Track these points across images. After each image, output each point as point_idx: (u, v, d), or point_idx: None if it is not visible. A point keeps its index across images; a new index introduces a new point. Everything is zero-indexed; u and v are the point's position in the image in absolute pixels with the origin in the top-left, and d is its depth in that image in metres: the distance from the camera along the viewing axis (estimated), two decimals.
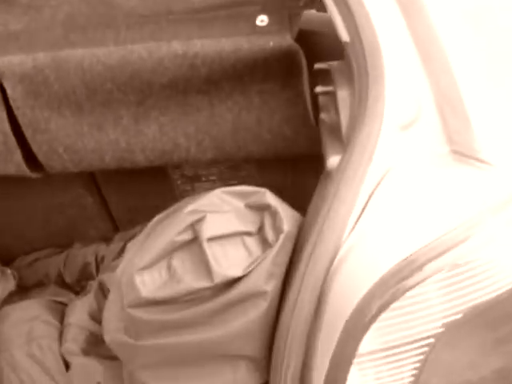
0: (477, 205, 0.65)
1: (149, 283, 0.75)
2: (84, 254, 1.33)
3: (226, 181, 1.21)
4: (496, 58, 0.75)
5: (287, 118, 0.96)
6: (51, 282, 1.34)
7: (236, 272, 0.71)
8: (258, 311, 0.70)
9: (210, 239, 0.73)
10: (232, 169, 1.19)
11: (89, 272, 1.31)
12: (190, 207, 0.79)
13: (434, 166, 0.73)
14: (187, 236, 0.76)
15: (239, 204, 0.76)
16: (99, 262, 1.31)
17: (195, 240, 0.75)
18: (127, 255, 0.85)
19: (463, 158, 0.72)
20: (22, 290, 1.30)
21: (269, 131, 0.98)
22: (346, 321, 0.61)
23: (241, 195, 0.77)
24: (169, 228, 0.80)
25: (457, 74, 0.71)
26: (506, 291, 0.64)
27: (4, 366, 1.07)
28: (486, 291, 0.63)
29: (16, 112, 0.96)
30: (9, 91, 0.93)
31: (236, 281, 0.72)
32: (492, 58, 0.74)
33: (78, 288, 1.30)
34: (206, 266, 0.72)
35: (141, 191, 1.27)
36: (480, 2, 0.80)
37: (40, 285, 1.34)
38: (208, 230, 0.73)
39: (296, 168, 1.10)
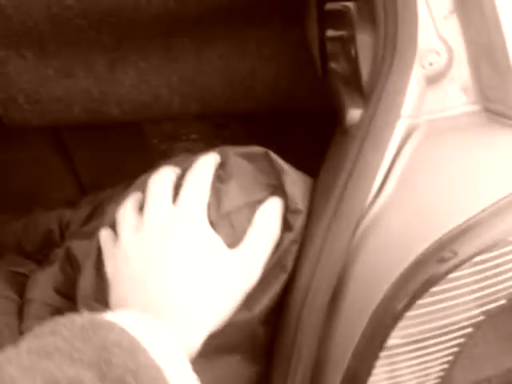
0: None
1: None
2: (47, 219, 1.20)
3: (208, 140, 1.09)
4: None
5: (286, 69, 0.84)
6: (8, 250, 1.22)
7: None
8: (277, 286, 0.59)
9: (218, 216, 0.61)
10: (217, 126, 1.07)
11: (52, 240, 1.17)
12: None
13: (466, 127, 0.63)
14: None
15: (247, 167, 0.64)
16: (64, 229, 1.18)
17: None
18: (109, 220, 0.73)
19: (499, 118, 0.62)
20: None
21: (263, 83, 0.86)
22: (374, 309, 0.51)
23: (248, 157, 0.65)
24: None
25: (502, 17, 0.60)
26: None
27: None
28: None
29: None
30: None
31: None
32: None
33: (39, 257, 1.18)
34: None
35: (111, 150, 1.14)
36: None
37: None
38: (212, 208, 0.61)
39: (291, 127, 0.99)
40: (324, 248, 0.54)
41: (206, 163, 0.63)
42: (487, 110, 0.63)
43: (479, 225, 0.51)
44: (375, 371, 0.53)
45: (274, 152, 0.67)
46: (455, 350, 0.55)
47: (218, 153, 0.65)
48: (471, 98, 0.63)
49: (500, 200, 0.53)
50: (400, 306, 0.50)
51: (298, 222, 0.58)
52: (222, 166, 0.64)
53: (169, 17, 0.76)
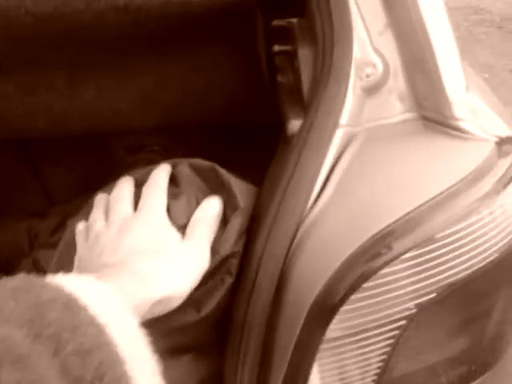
0: (451, 176, 0.60)
1: None
2: (15, 230, 1.23)
3: (170, 151, 1.12)
4: None
5: (241, 81, 0.88)
6: None
7: None
8: (223, 288, 0.63)
9: None
10: (177, 138, 1.10)
11: (20, 251, 1.20)
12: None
13: (402, 134, 0.68)
14: None
15: (194, 179, 0.69)
16: (32, 240, 1.21)
17: None
18: (71, 231, 0.76)
19: (433, 125, 0.67)
20: None
21: (220, 96, 0.90)
22: (311, 304, 0.55)
23: (196, 169, 0.69)
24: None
25: (431, 32, 0.65)
26: (482, 267, 0.60)
27: None
28: (461, 267, 0.59)
29: None
30: None
31: None
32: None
33: (6, 270, 1.19)
34: None
35: (78, 162, 1.16)
36: None
37: None
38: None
39: (247, 136, 1.03)
40: (266, 251, 0.58)
41: (159, 176, 0.70)
42: (423, 117, 0.68)
43: (411, 222, 0.56)
44: (319, 362, 0.57)
45: (230, 160, 0.71)
46: (392, 341, 0.59)
47: (171, 165, 0.70)
48: (407, 107, 0.68)
49: (430, 200, 0.58)
50: (335, 300, 0.54)
51: (242, 223, 0.63)
52: (173, 178, 0.69)
53: (127, 36, 0.79)
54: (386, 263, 0.56)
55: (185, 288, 0.59)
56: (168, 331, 0.61)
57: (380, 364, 0.60)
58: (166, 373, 0.64)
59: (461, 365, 0.67)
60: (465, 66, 0.67)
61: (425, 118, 0.68)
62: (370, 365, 0.60)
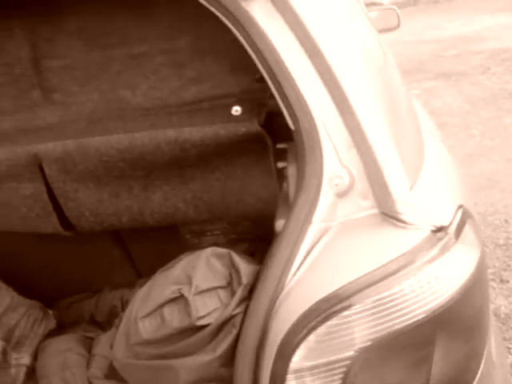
0: (395, 253, 0.85)
1: (148, 328, 0.99)
2: (112, 297, 1.58)
3: (227, 235, 1.44)
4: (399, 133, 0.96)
5: (264, 186, 1.18)
6: (84, 321, 1.58)
7: (209, 320, 0.94)
8: (231, 336, 0.91)
9: (195, 294, 0.96)
10: (232, 225, 1.41)
11: (115, 313, 1.54)
12: (180, 268, 1.03)
13: (365, 225, 0.93)
14: (175, 294, 1.00)
15: (216, 263, 0.99)
16: (124, 304, 1.54)
17: (181, 296, 0.99)
18: (133, 303, 1.07)
19: (388, 218, 0.92)
20: (60, 328, 1.55)
21: (251, 196, 1.20)
22: (280, 343, 0.82)
23: (218, 256, 1.00)
24: (164, 284, 1.04)
25: (377, 152, 0.91)
26: (417, 320, 0.83)
27: None
28: (398, 321, 0.82)
29: (52, 185, 1.22)
30: (46, 170, 1.20)
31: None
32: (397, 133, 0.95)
33: (107, 326, 1.53)
34: (187, 314, 0.95)
35: (158, 244, 1.50)
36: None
37: (75, 324, 1.58)
38: (192, 288, 0.96)
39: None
40: (254, 312, 0.85)
41: None
42: (382, 212, 0.93)
43: (346, 292, 0.82)
44: None
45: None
46: (342, 375, 0.83)
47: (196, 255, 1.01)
48: (370, 205, 0.94)
49: (364, 275, 0.83)
50: (297, 339, 0.81)
51: (243, 293, 0.92)
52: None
53: (177, 159, 1.13)
54: (336, 313, 0.81)
55: None
56: (192, 367, 0.90)
57: None
58: None
59: None
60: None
61: (382, 213, 0.93)
62: None
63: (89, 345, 1.39)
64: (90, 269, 1.58)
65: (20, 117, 1.23)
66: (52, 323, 1.55)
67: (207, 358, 0.91)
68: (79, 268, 1.58)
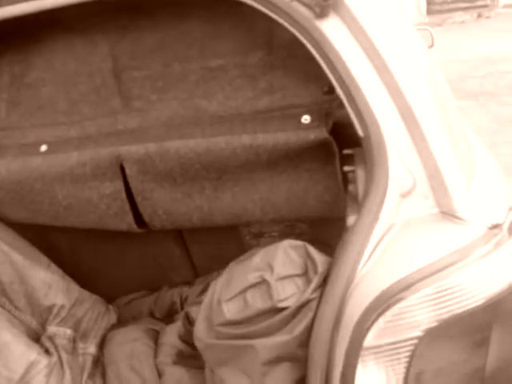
0: (454, 246, 0.96)
1: (231, 310, 1.09)
2: (171, 295, 1.68)
3: (284, 237, 1.53)
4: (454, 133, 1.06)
5: (327, 189, 1.29)
6: (143, 316, 1.68)
7: (289, 303, 1.04)
8: (307, 319, 1.01)
9: (276, 280, 1.06)
10: (289, 227, 1.52)
11: (174, 309, 1.65)
12: (260, 257, 1.14)
13: (427, 222, 1.03)
14: (257, 279, 1.10)
15: (292, 254, 1.09)
16: (183, 301, 1.65)
17: (263, 281, 1.09)
18: (214, 289, 1.18)
19: (447, 217, 1.02)
20: (121, 324, 1.64)
21: (314, 198, 1.31)
22: (355, 323, 0.92)
23: (294, 248, 1.10)
24: (245, 271, 1.14)
25: (437, 157, 1.02)
26: (474, 307, 0.93)
27: (111, 376, 1.42)
28: (456, 306, 0.93)
29: (130, 185, 1.34)
30: (127, 171, 1.31)
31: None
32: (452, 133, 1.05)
33: (165, 322, 1.63)
34: (269, 297, 1.05)
35: (217, 244, 1.61)
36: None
37: (134, 320, 1.68)
38: (274, 274, 1.07)
39: (338, 226, 1.42)
40: (330, 296, 0.96)
41: None
42: (441, 211, 1.03)
43: (412, 279, 0.92)
44: (359, 366, 0.93)
45: (319, 240, 1.12)
46: (409, 354, 0.93)
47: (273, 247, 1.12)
48: (431, 204, 1.04)
49: (430, 264, 0.93)
50: (370, 321, 0.91)
51: (319, 280, 1.02)
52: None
53: (250, 162, 1.24)
54: (404, 298, 0.91)
55: None
56: (271, 346, 1.00)
57: (404, 370, 0.94)
58: (271, 375, 1.03)
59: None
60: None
61: (442, 212, 1.03)
62: (396, 370, 0.94)
63: (154, 336, 1.50)
64: (151, 267, 1.69)
65: (102, 122, 1.35)
66: (113, 318, 1.66)
67: (285, 338, 1.01)
68: (141, 266, 1.69)
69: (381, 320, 0.91)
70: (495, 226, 1.00)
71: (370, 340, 0.92)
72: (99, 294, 1.65)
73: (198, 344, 1.15)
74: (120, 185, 1.34)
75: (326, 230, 1.47)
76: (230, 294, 1.09)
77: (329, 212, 1.33)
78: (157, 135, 1.29)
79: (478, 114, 4.17)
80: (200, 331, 1.14)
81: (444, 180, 1.01)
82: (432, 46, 2.76)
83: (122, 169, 1.32)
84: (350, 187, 1.18)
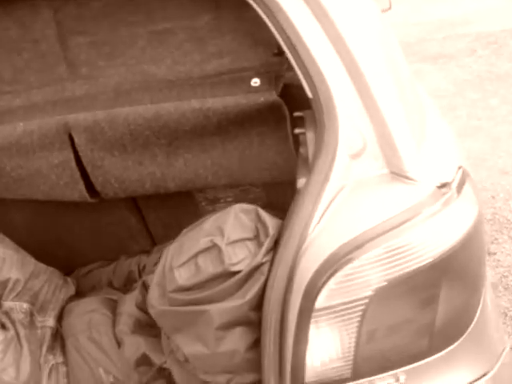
0: (404, 206, 0.96)
1: (183, 275, 1.08)
2: (129, 264, 1.67)
3: (239, 202, 1.53)
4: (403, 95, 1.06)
5: (279, 152, 1.28)
6: (103, 288, 1.67)
7: (240, 267, 1.03)
8: (259, 283, 1.01)
9: (227, 244, 1.06)
10: (243, 192, 1.51)
11: (133, 278, 1.64)
12: (211, 222, 1.12)
13: (377, 183, 1.04)
14: (208, 243, 1.09)
15: (243, 218, 1.09)
16: (141, 270, 1.64)
17: (214, 246, 1.08)
18: (166, 256, 1.17)
19: (397, 177, 1.02)
20: (79, 295, 1.62)
21: (266, 162, 1.30)
22: (306, 285, 0.92)
23: (245, 212, 1.10)
24: (196, 237, 1.13)
25: (387, 117, 1.01)
26: (423, 266, 0.94)
27: (70, 348, 1.41)
28: (406, 265, 0.94)
29: (80, 154, 1.31)
30: (76, 139, 1.28)
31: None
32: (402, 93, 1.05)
33: (124, 291, 1.62)
34: (221, 261, 1.05)
35: (173, 212, 1.60)
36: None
37: (93, 290, 1.67)
38: (224, 238, 1.06)
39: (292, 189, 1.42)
40: (281, 259, 0.96)
41: None
42: (391, 172, 1.03)
43: (362, 239, 0.92)
44: (311, 327, 0.94)
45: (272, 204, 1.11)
46: (360, 313, 0.94)
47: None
48: (381, 165, 1.04)
49: (380, 223, 0.94)
50: (320, 283, 0.91)
51: (270, 244, 1.02)
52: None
53: (200, 126, 1.22)
54: (355, 258, 0.92)
55: None
56: (224, 311, 1.00)
57: (356, 329, 0.95)
58: (225, 339, 1.03)
59: (420, 338, 1.00)
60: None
61: (392, 172, 1.04)
62: (348, 329, 0.96)
63: (112, 306, 1.49)
64: (108, 237, 1.67)
65: (48, 90, 1.31)
66: (71, 290, 1.63)
67: (238, 302, 1.01)
68: (97, 237, 1.67)
69: (331, 281, 0.92)
70: (444, 185, 1.00)
71: (321, 301, 0.93)
72: (57, 266, 1.62)
73: (151, 311, 1.15)
74: (69, 154, 1.31)
75: (280, 194, 1.47)
76: (182, 259, 1.08)
77: (281, 175, 1.32)
78: (105, 102, 1.26)
79: (437, 77, 4.19)
80: (153, 298, 1.13)
81: (394, 140, 1.01)
82: (390, 8, 2.75)
83: (71, 138, 1.29)
84: (301, 150, 1.17)
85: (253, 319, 1.03)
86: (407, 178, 1.01)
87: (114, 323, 1.42)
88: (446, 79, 4.26)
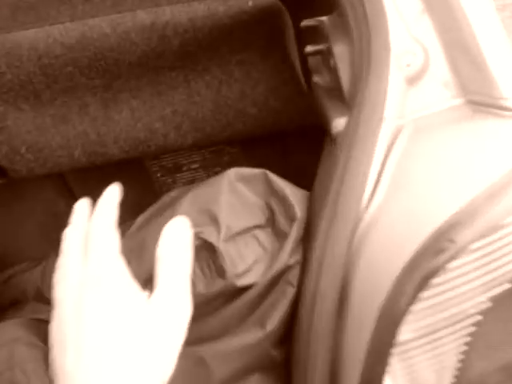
0: (507, 160, 0.57)
1: None
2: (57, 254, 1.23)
3: (209, 168, 1.11)
4: None
5: (273, 88, 0.86)
6: (29, 298, 1.24)
7: (252, 278, 0.61)
8: (285, 301, 0.60)
9: (226, 239, 0.62)
10: (214, 153, 1.08)
11: None
12: (189, 203, 0.68)
13: (451, 121, 0.64)
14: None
15: (245, 190, 0.65)
16: None
17: (202, 245, 0.64)
18: None
19: (483, 108, 0.63)
20: None
21: (254, 105, 0.88)
22: (379, 308, 0.52)
23: (246, 179, 0.66)
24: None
25: (469, 12, 0.62)
26: None
27: None
28: None
29: None
30: None
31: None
32: None
33: None
34: (218, 272, 0.61)
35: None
36: None
37: (17, 303, 1.24)
38: (221, 230, 0.62)
39: (285, 146, 1.00)
40: (325, 256, 0.55)
41: (103, 207, 0.60)
42: (470, 102, 0.64)
43: (473, 211, 0.52)
44: (391, 368, 0.54)
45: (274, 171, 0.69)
46: (468, 339, 0.55)
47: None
48: (453, 93, 0.65)
49: (491, 185, 0.54)
50: (404, 301, 0.51)
51: (298, 232, 0.60)
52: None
53: (153, 54, 0.78)
54: (452, 257, 0.52)
55: (169, 367, 0.51)
56: (230, 354, 0.58)
57: (458, 365, 0.57)
58: None
59: None
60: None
61: (473, 103, 0.65)
62: (445, 368, 0.56)
63: (41, 330, 1.05)
64: (31, 230, 1.22)
65: None
66: None
67: (252, 336, 0.59)
68: (14, 229, 1.22)
69: (423, 295, 0.52)
70: None
71: (406, 330, 0.53)
72: None
73: None
74: None
75: (267, 154, 1.05)
76: (144, 275, 0.65)
77: (276, 123, 0.90)
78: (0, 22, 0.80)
79: None
80: None
81: (478, 48, 0.62)
82: None
83: None
84: (317, 79, 0.76)
85: (277, 360, 0.62)
86: (502, 108, 0.61)
87: (46, 356, 0.99)
88: None
